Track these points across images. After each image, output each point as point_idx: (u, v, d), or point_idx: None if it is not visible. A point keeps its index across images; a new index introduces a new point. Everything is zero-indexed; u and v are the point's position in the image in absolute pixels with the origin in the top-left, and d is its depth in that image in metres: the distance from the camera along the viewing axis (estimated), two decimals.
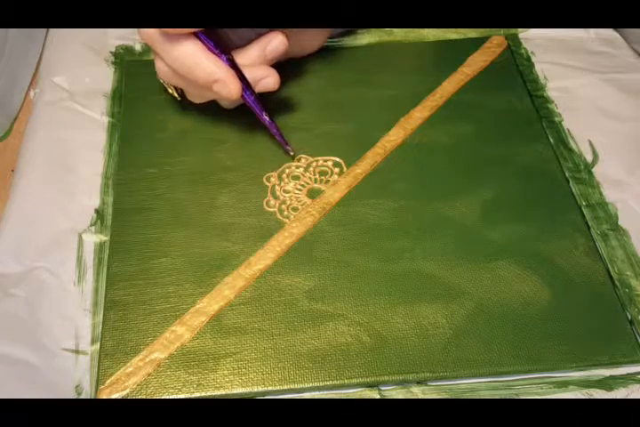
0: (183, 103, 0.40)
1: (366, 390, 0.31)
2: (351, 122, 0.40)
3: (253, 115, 0.37)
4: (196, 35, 0.32)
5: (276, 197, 0.37)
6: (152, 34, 0.33)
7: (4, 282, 0.33)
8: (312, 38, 0.41)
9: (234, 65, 0.34)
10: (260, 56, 0.35)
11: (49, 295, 0.33)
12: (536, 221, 0.35)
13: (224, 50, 0.33)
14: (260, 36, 0.36)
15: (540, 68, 0.43)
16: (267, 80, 0.35)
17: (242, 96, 0.34)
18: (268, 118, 0.37)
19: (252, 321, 0.32)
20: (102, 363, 0.31)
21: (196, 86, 0.35)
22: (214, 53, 0.33)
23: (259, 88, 0.35)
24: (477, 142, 0.39)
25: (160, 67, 0.35)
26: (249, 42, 0.36)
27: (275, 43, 0.35)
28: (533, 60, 0.44)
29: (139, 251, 0.34)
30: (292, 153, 0.38)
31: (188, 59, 0.32)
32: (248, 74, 0.34)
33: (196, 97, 0.37)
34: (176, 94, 0.39)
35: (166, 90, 0.40)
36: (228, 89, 0.33)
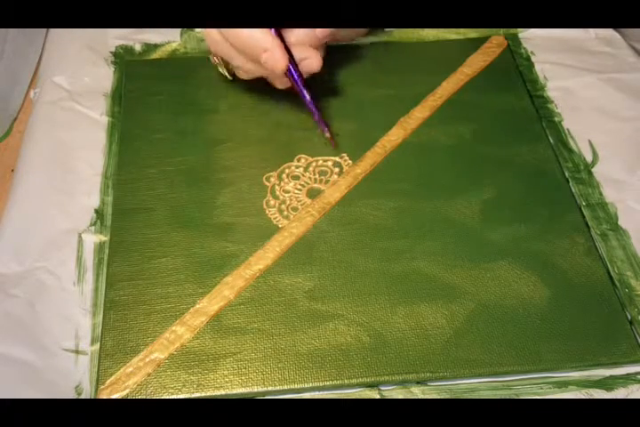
0: (183, 103, 0.40)
1: (366, 390, 0.31)
2: (351, 122, 0.40)
3: (253, 115, 0.36)
4: None
5: (275, 197, 0.37)
6: None
7: (4, 282, 0.33)
8: None
9: (282, 39, 0.34)
10: (309, 35, 0.36)
11: (49, 295, 0.33)
12: (536, 221, 0.35)
13: None
14: None
15: (539, 68, 0.43)
16: (309, 61, 0.35)
17: (287, 70, 0.35)
18: (308, 96, 0.37)
19: (252, 321, 0.32)
20: (102, 363, 0.31)
21: (244, 56, 0.35)
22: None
23: (301, 68, 0.36)
24: (477, 142, 0.39)
25: (211, 34, 0.35)
26: None
27: None
28: (533, 60, 0.44)
29: (139, 251, 0.34)
30: (328, 135, 0.38)
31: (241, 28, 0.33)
32: (293, 52, 0.35)
33: (244, 72, 0.38)
34: (226, 73, 0.39)
35: (217, 69, 0.40)
36: (275, 58, 0.33)
